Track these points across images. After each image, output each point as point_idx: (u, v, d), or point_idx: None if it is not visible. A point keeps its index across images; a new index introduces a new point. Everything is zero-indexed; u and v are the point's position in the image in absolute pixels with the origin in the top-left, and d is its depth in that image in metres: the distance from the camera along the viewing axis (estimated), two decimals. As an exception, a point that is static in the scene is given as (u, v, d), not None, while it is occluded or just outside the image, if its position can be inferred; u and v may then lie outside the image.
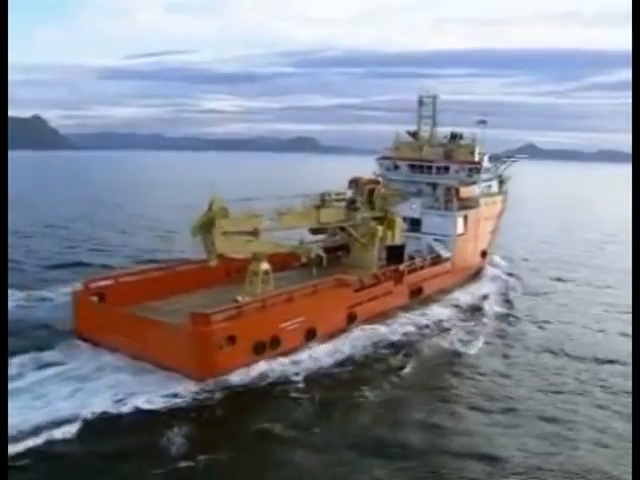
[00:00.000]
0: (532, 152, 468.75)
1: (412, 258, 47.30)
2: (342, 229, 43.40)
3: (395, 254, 45.97)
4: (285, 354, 32.46)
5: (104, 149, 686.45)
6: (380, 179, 51.03)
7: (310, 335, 34.40)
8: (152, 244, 70.71)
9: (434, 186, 54.94)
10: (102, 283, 35.78)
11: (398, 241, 45.15)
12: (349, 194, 43.82)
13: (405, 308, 42.42)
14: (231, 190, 53.16)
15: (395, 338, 37.34)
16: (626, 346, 34.07)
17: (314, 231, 43.92)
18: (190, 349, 29.32)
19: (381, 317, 39.57)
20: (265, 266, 34.60)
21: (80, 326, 33.98)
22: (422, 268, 46.19)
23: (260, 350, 31.33)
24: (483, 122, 55.04)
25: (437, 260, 48.39)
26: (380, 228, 42.70)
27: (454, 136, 56.96)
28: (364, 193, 43.86)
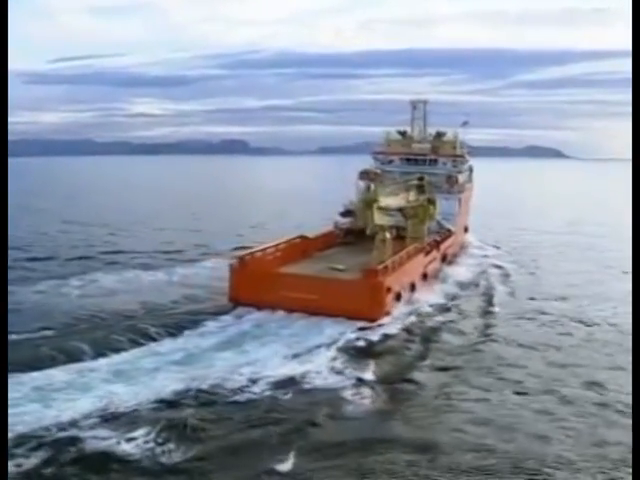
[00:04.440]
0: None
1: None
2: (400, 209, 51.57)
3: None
4: (404, 300, 42.42)
5: (28, 156, 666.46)
6: (379, 170, 63.06)
7: (412, 288, 44.48)
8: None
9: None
10: (247, 257, 42.93)
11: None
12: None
13: (441, 269, 54.07)
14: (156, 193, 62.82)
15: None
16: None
17: (344, 214, 54.68)
18: (368, 297, 38.07)
19: (434, 275, 51.09)
20: (387, 235, 43.79)
21: (240, 294, 40.72)
22: (444, 240, 57.07)
23: (398, 297, 41.04)
24: (466, 123, 67.31)
25: (449, 234, 59.49)
26: (432, 207, 52.90)
27: (439, 134, 68.58)
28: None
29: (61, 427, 23.75)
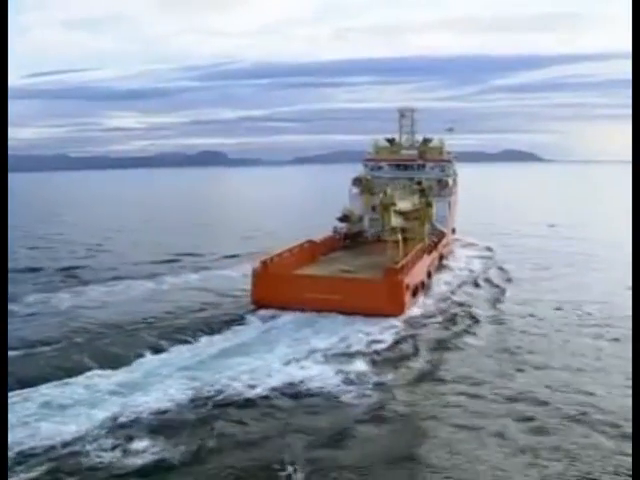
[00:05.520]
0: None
1: None
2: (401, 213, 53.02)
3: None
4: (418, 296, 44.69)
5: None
6: (369, 176, 64.93)
7: (422, 285, 46.47)
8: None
9: (412, 180, 68.09)
10: (268, 261, 44.25)
11: None
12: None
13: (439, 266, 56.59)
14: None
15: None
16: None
17: (341, 219, 57.37)
18: (391, 294, 40.12)
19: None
20: (400, 237, 45.38)
21: (264, 296, 41.98)
22: (440, 241, 59.25)
23: (414, 294, 43.16)
24: (451, 129, 69.54)
25: (442, 235, 61.58)
26: (430, 210, 54.88)
27: (426, 140, 70.62)
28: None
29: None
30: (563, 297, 46.44)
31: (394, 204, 45.86)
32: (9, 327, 33.57)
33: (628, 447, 20.85)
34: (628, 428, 22.33)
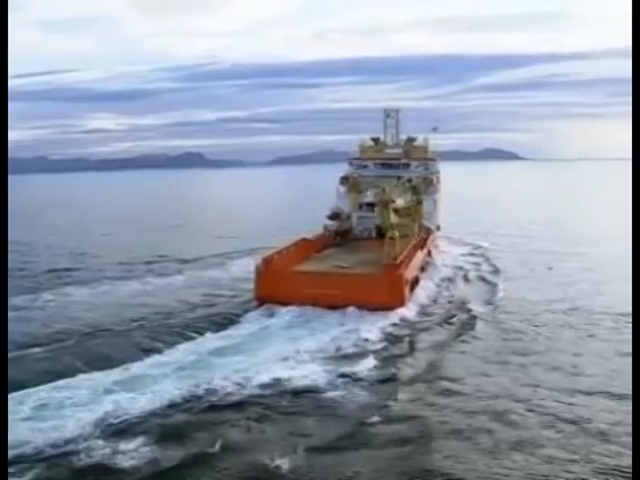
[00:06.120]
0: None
1: None
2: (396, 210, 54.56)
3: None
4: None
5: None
6: (355, 175, 66.74)
7: (417, 280, 48.20)
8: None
9: (398, 178, 69.84)
10: (269, 258, 45.22)
11: None
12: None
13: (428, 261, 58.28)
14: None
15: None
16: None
17: (331, 217, 59.04)
18: (391, 288, 41.74)
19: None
20: (396, 234, 46.52)
21: (267, 292, 43.16)
22: (428, 237, 61.13)
23: (411, 288, 44.87)
24: (435, 128, 71.59)
25: (429, 231, 63.52)
26: (420, 207, 57.04)
27: (410, 139, 72.51)
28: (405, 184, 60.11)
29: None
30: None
31: (393, 201, 47.44)
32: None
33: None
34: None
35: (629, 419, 20.57)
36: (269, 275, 43.79)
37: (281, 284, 43.26)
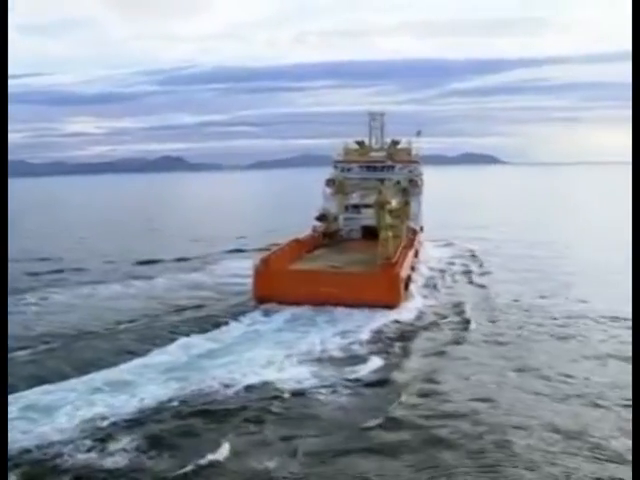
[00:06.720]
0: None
1: None
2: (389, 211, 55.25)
3: (371, 231, 60.41)
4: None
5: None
6: (341, 177, 67.13)
7: (409, 279, 48.50)
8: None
9: (382, 181, 70.12)
10: (267, 258, 45.66)
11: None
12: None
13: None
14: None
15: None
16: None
17: (319, 219, 60.11)
18: (390, 287, 42.40)
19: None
20: (390, 234, 46.98)
21: (265, 292, 43.29)
22: (415, 237, 61.38)
23: (406, 286, 45.37)
24: (419, 132, 72.31)
25: (415, 232, 63.52)
26: (409, 208, 57.65)
27: (394, 142, 72.90)
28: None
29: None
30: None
31: (389, 202, 48.13)
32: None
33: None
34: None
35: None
36: (268, 275, 44.12)
37: (280, 283, 43.71)
